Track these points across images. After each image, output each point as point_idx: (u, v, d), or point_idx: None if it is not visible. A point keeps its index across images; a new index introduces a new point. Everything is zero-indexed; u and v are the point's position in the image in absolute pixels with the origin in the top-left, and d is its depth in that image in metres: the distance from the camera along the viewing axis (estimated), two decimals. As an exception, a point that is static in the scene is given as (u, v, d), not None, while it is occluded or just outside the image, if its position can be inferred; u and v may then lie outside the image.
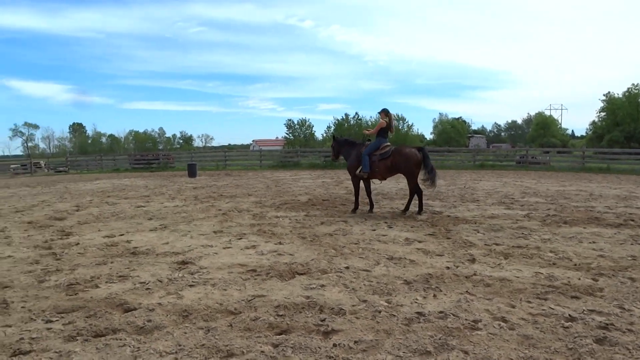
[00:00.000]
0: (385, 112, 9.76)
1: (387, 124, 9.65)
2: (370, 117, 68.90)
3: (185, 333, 3.60)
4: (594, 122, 52.13)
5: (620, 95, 47.62)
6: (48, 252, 6.54)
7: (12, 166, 36.67)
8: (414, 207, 9.58)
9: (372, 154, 9.53)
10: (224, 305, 4.21)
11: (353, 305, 4.14)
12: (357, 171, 9.72)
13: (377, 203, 11.18)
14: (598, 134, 49.74)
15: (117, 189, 17.05)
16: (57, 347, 3.41)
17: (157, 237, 7.52)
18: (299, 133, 68.40)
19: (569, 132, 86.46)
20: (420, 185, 9.51)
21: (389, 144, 9.73)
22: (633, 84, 47.11)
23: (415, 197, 9.54)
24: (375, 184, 11.01)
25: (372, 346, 3.32)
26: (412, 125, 68.61)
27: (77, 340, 3.53)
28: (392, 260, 5.75)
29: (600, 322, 3.69)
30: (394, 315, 3.87)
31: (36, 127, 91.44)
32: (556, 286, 4.63)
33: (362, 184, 10.07)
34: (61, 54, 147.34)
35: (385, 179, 9.96)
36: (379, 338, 3.45)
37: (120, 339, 3.50)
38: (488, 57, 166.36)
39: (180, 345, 3.38)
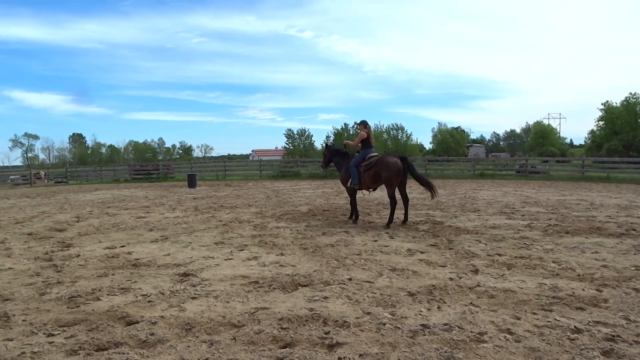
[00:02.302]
0: (364, 124, 9.89)
1: (367, 135, 9.76)
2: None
3: (189, 347, 3.57)
4: (592, 131, 52.35)
5: (619, 104, 47.85)
6: (49, 264, 6.50)
7: (11, 177, 36.64)
8: (415, 217, 9.56)
9: (359, 165, 9.64)
10: (227, 317, 4.18)
11: (357, 318, 4.11)
12: (348, 183, 9.89)
13: (378, 213, 11.17)
14: (597, 142, 49.90)
15: (117, 199, 17.02)
16: (59, 361, 3.38)
17: (158, 248, 7.49)
18: (299, 143, 68.57)
19: (568, 141, 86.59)
20: (396, 197, 9.45)
21: (375, 154, 9.82)
22: (631, 93, 47.45)
23: (402, 205, 9.63)
24: (364, 194, 11.01)
25: (377, 359, 3.29)
26: (410, 134, 68.88)
27: (80, 354, 3.49)
28: (395, 271, 5.73)
29: (607, 333, 3.67)
30: (399, 328, 3.84)
31: (36, 137, 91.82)
32: (561, 297, 4.60)
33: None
34: (63, 64, 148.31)
35: (374, 190, 9.98)
36: (385, 351, 3.42)
37: (123, 353, 3.47)
38: (487, 66, 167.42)
39: (183, 359, 3.34)
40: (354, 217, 10.03)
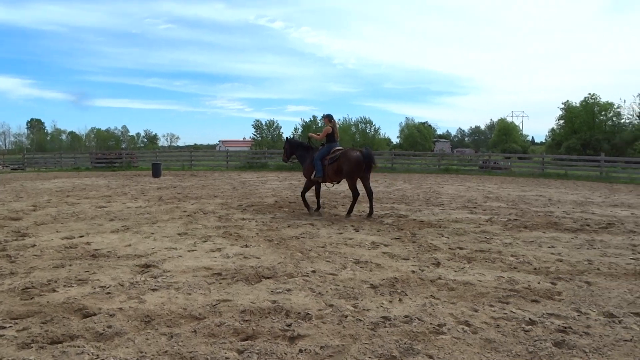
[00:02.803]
0: (329, 118, 10.06)
1: (332, 129, 9.89)
2: (338, 119, 69.28)
3: (147, 339, 3.50)
4: (553, 130, 54.08)
5: (578, 104, 49.56)
6: (2, 254, 6.24)
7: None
8: (381, 210, 9.64)
9: (324, 158, 9.77)
10: (188, 310, 4.12)
11: (319, 310, 4.12)
12: (312, 176, 9.95)
13: (344, 206, 11.23)
14: (557, 141, 51.57)
15: (77, 188, 16.50)
16: (10, 354, 3.26)
17: (119, 239, 7.31)
18: (267, 134, 68.18)
19: (530, 138, 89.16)
20: (358, 190, 9.75)
21: (340, 148, 9.95)
22: (589, 94, 49.22)
23: (366, 198, 9.89)
24: (328, 187, 11.07)
25: (338, 351, 3.31)
26: (379, 128, 69.46)
27: (32, 347, 3.37)
28: (359, 264, 5.78)
29: (559, 325, 3.80)
30: (360, 320, 3.88)
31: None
32: (517, 290, 4.75)
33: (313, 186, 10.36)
34: (22, 46, 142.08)
35: (338, 182, 10.14)
36: (345, 343, 3.45)
37: (79, 346, 3.37)
38: (454, 63, 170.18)
39: (142, 352, 3.28)
40: (312, 209, 10.14)
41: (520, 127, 79.55)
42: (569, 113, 49.60)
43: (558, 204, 12.25)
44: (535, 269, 5.62)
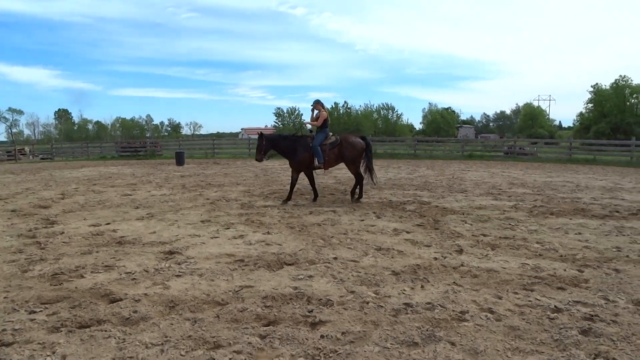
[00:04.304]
0: (321, 104, 10.00)
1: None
2: (360, 105, 68.92)
3: (172, 324, 3.57)
4: (581, 114, 52.80)
5: (608, 87, 48.11)
6: (32, 241, 6.44)
7: (-4, 152, 36.08)
8: (403, 197, 9.58)
9: (323, 144, 9.70)
10: (211, 296, 4.18)
11: (341, 296, 4.13)
12: (315, 163, 9.69)
13: (366, 193, 11.18)
14: (585, 125, 50.33)
15: (103, 177, 16.85)
16: (40, 338, 3.36)
17: (144, 226, 7.44)
18: (289, 122, 68.23)
19: (557, 123, 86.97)
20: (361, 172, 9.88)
21: (331, 133, 9.99)
22: (620, 76, 47.75)
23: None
24: (318, 174, 10.89)
25: (359, 337, 3.32)
26: (401, 114, 69.00)
27: (62, 331, 3.47)
28: (380, 250, 5.76)
29: (586, 313, 3.73)
30: (382, 307, 3.87)
31: (21, 112, 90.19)
32: (542, 277, 4.66)
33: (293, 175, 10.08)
34: (48, 38, 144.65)
35: (330, 168, 10.22)
36: (367, 329, 3.45)
37: (106, 330, 3.46)
38: (478, 47, 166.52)
39: (166, 337, 3.34)
40: (287, 200, 9.83)
41: (547, 112, 77.84)
42: (599, 96, 48.25)
43: (586, 190, 11.95)
44: (561, 256, 5.51)
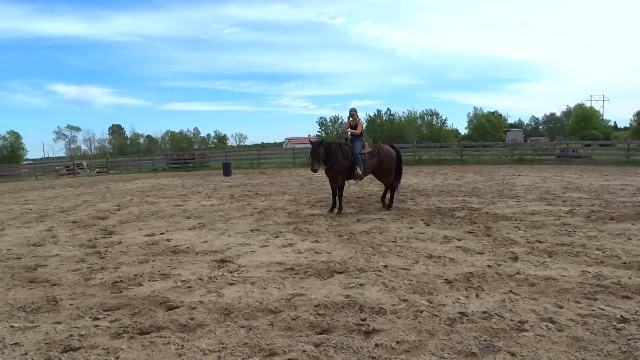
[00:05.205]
0: (356, 112, 9.88)
1: None
2: (403, 112, 68.33)
3: (227, 331, 3.64)
4: (638, 113, 50.08)
5: (667, 84, 45.53)
6: (93, 251, 6.75)
7: (56, 167, 38.15)
8: (452, 204, 9.39)
9: (362, 152, 9.56)
10: (264, 304, 4.23)
11: (393, 305, 4.08)
12: (357, 171, 9.34)
13: (413, 200, 11.05)
14: (643, 125, 47.73)
15: (155, 188, 17.46)
16: (104, 344, 3.51)
17: (196, 235, 7.65)
18: (332, 130, 68.41)
19: (612, 123, 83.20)
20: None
21: (366, 143, 9.98)
22: (681, 72, 45.00)
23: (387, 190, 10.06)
24: (350, 184, 10.65)
25: (415, 347, 3.27)
26: (445, 120, 67.74)
27: (124, 337, 3.61)
28: (431, 258, 5.66)
29: (656, 323, 3.52)
30: (436, 315, 3.80)
31: (78, 129, 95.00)
32: (605, 285, 4.44)
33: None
34: (102, 58, 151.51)
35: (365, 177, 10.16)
36: (422, 338, 3.39)
37: (165, 337, 3.57)
38: (523, 48, 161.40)
39: (223, 344, 3.41)
40: (338, 208, 9.49)
41: (601, 112, 74.37)
42: (657, 94, 45.68)
43: (648, 193, 11.31)
44: (624, 263, 5.23)
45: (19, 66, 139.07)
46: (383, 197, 10.15)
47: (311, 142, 9.45)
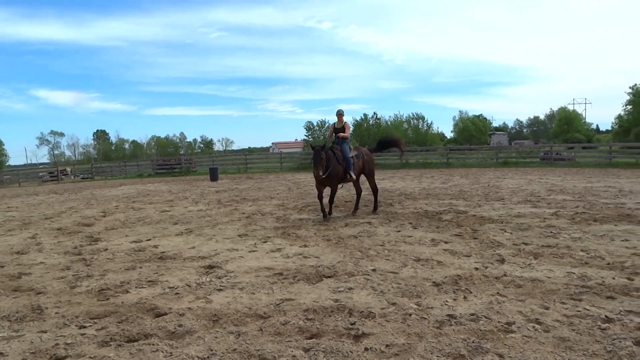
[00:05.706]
0: (343, 114, 9.77)
1: None
2: (389, 116, 68.75)
3: (216, 338, 3.62)
4: (619, 116, 51.10)
5: (648, 88, 46.47)
6: (78, 258, 6.66)
7: (40, 174, 37.63)
8: (438, 207, 9.45)
9: (351, 156, 9.41)
10: (253, 309, 4.22)
11: (382, 308, 4.10)
12: (349, 176, 9.23)
13: (401, 203, 11.11)
14: (625, 127, 48.68)
15: (141, 194, 17.31)
16: (91, 352, 3.47)
17: (183, 241, 7.60)
18: (319, 135, 68.60)
19: (594, 126, 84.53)
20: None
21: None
22: (661, 76, 45.98)
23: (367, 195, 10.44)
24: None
25: (404, 350, 3.28)
26: (431, 124, 68.41)
27: (111, 345, 3.57)
28: (419, 261, 5.70)
29: (639, 323, 3.58)
30: (425, 318, 3.83)
31: (62, 134, 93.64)
32: (590, 286, 4.51)
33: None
34: (86, 63, 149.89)
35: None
36: (411, 341, 3.41)
37: (153, 344, 3.54)
38: (508, 52, 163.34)
39: (212, 350, 3.39)
40: (328, 213, 9.26)
41: (583, 115, 75.56)
42: (638, 97, 46.56)
43: (630, 194, 11.51)
44: (608, 264, 5.32)
45: (1, 71, 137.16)
46: (357, 203, 10.08)
47: (313, 147, 9.18)
